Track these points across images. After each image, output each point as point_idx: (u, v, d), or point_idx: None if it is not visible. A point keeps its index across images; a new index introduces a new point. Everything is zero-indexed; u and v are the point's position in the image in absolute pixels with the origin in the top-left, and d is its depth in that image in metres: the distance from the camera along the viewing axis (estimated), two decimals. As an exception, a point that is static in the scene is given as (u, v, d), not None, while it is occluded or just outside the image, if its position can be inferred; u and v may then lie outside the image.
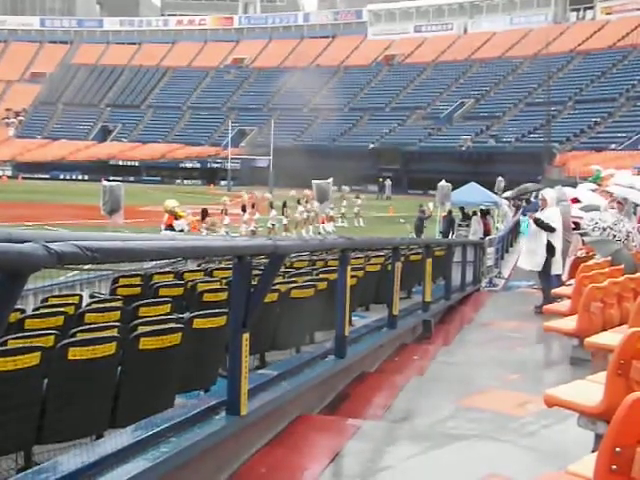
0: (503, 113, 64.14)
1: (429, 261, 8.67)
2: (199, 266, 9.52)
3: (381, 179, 56.28)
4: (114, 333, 4.26)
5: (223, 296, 6.06)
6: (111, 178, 36.63)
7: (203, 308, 5.33)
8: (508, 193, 22.91)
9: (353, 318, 7.36)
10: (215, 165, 68.56)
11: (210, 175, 67.20)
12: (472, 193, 23.29)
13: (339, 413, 5.12)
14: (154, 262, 7.19)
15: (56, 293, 8.25)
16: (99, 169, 63.64)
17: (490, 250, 15.26)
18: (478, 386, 6.11)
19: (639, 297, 5.20)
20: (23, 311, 5.46)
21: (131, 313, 5.33)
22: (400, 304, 7.40)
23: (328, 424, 4.79)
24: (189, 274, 8.16)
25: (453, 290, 11.22)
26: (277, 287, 6.28)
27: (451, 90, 70.20)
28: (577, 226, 10.86)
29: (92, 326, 4.53)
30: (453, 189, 23.08)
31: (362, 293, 8.42)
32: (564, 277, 10.20)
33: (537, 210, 11.05)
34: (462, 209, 24.42)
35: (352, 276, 6.23)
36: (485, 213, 22.15)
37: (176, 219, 17.39)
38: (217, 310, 4.90)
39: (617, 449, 2.17)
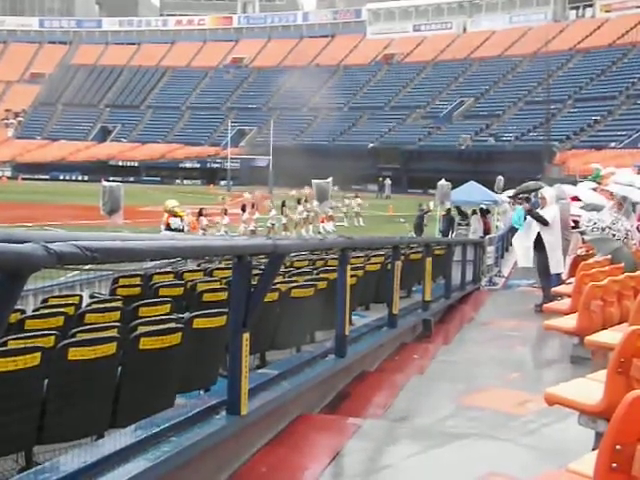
0: (503, 112, 64.09)
1: (429, 260, 8.68)
2: (199, 266, 9.51)
3: (381, 178, 56.35)
4: (114, 333, 4.26)
5: (223, 296, 6.06)
6: (111, 178, 36.60)
7: (203, 308, 5.33)
8: (510, 192, 22.85)
9: (353, 317, 7.36)
10: (215, 165, 68.56)
11: (210, 175, 67.19)
12: (472, 192, 23.21)
13: (339, 412, 5.12)
14: (154, 262, 7.19)
15: (56, 293, 8.27)
16: (99, 169, 63.51)
17: (490, 249, 15.25)
18: (478, 385, 6.11)
19: (639, 295, 5.20)
20: (23, 311, 5.47)
21: (131, 313, 5.33)
22: (400, 303, 7.41)
23: (328, 423, 4.79)
24: (189, 274, 8.16)
25: (453, 289, 11.23)
26: (277, 286, 6.28)
27: (450, 89, 70.15)
28: (576, 224, 10.86)
29: (92, 326, 4.54)
30: (453, 188, 23.01)
31: (362, 292, 8.42)
32: (564, 276, 10.21)
33: (537, 208, 11.05)
34: (458, 208, 24.36)
35: (352, 275, 6.24)
36: (485, 212, 22.13)
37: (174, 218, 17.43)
38: (217, 310, 4.89)
39: (617, 447, 2.16)
